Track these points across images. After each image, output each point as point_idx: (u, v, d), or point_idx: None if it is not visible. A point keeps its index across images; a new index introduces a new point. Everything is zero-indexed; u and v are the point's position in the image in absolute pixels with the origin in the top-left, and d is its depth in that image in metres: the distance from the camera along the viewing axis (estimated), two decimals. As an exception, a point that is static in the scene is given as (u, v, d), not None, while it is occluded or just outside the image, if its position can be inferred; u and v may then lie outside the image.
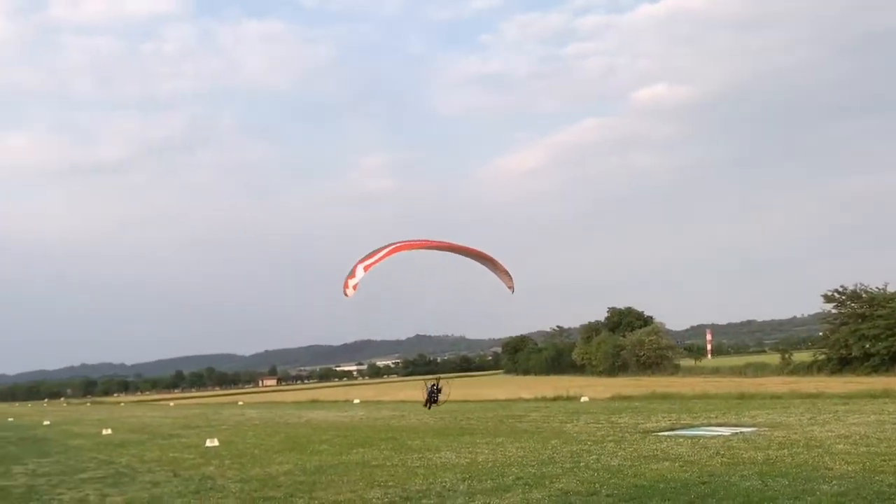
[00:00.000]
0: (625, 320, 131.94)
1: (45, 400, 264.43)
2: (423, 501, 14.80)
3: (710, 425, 27.36)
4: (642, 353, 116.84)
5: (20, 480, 23.44)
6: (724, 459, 17.84)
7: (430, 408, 33.92)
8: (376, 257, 24.80)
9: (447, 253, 25.55)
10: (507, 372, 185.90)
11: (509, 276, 26.81)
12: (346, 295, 24.41)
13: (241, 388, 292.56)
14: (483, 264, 26.60)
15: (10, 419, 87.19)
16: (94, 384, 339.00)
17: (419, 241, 26.15)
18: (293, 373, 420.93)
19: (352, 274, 24.31)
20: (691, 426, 27.41)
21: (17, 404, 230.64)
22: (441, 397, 33.21)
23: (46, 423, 68.04)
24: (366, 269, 24.41)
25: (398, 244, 25.43)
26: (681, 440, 22.68)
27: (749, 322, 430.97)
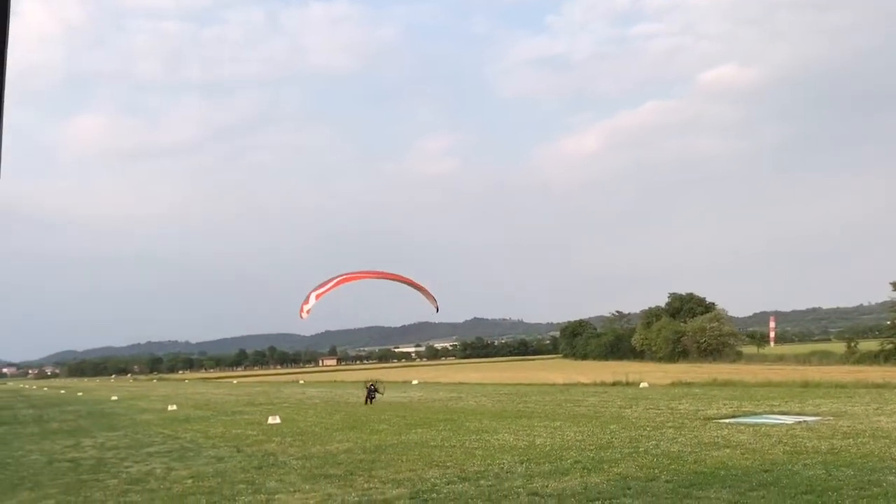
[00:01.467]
0: (686, 306, 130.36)
1: (113, 376, 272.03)
2: (481, 482, 14.89)
3: (773, 413, 26.95)
4: (703, 340, 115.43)
5: (90, 453, 24.19)
6: (787, 448, 17.59)
7: (369, 403, 41.86)
8: (326, 287, 31.23)
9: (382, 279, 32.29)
10: (565, 356, 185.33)
11: (433, 298, 32.75)
12: (301, 317, 31.48)
13: (302, 367, 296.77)
14: (413, 288, 32.56)
15: (79, 394, 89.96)
16: (159, 361, 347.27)
17: (359, 272, 32.52)
18: (352, 353, 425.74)
19: (306, 300, 30.71)
20: (753, 414, 27.04)
21: (85, 380, 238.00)
22: (377, 396, 43.12)
23: (114, 398, 70.06)
24: (317, 297, 30.89)
25: (343, 276, 31.62)
26: (742, 428, 22.41)
27: (814, 309, 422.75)
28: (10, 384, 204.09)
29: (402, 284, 32.08)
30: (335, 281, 31.58)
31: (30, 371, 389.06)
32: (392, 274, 32.35)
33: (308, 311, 30.89)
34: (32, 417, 46.08)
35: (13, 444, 28.78)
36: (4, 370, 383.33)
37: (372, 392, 43.22)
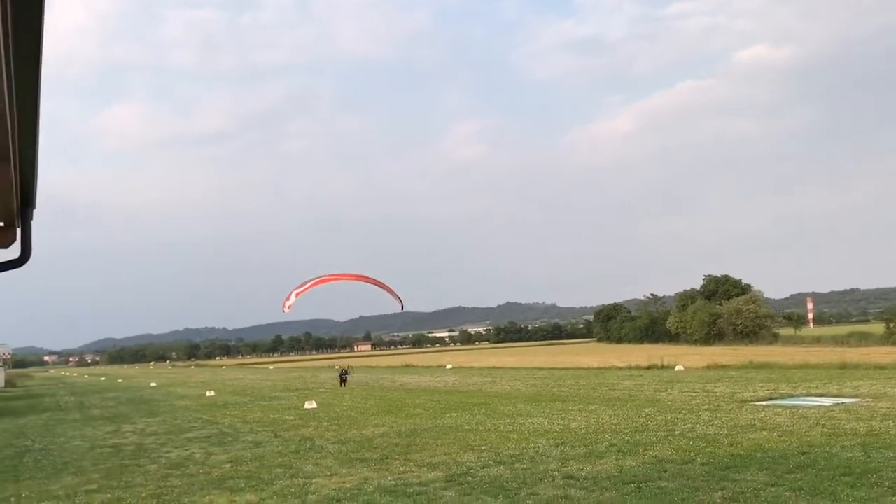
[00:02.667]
0: (721, 288, 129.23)
1: (152, 363, 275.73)
2: (517, 465, 14.95)
3: (810, 395, 26.71)
4: (739, 322, 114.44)
5: (130, 438, 24.61)
6: (825, 430, 17.43)
7: (343, 386, 48.17)
8: (305, 287, 36.06)
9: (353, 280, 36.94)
10: (600, 340, 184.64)
11: (399, 297, 36.91)
12: (283, 311, 36.04)
13: (337, 352, 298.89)
14: (379, 287, 36.82)
15: (119, 381, 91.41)
16: (197, 348, 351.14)
17: (333, 275, 37.11)
18: (387, 338, 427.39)
19: (288, 297, 35.57)
20: (790, 396, 26.81)
21: (125, 367, 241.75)
22: (349, 378, 50.02)
23: (153, 384, 71.06)
24: (297, 295, 35.69)
25: (320, 278, 36.45)
26: (779, 410, 22.24)
27: (852, 290, 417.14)
28: (52, 372, 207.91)
29: (370, 284, 37.01)
30: (313, 281, 36.45)
31: (70, 359, 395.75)
32: (363, 276, 37.65)
33: (289, 307, 36.00)
34: (74, 404, 46.90)
35: (56, 430, 29.34)
36: (46, 358, 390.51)
37: (344, 375, 50.53)
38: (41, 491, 15.25)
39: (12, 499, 14.55)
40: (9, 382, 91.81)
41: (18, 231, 5.74)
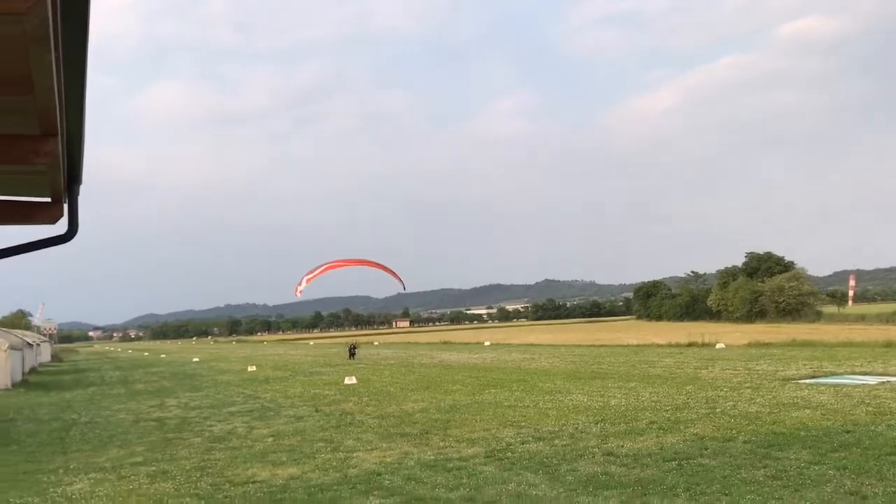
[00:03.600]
0: (763, 265, 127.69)
1: (194, 338, 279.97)
2: (556, 442, 14.95)
3: (855, 374, 26.33)
4: (782, 300, 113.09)
5: (174, 412, 25.00)
6: (870, 409, 17.18)
7: (351, 359, 52.60)
8: (315, 272, 39.19)
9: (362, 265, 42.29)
10: (639, 318, 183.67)
11: (400, 279, 40.55)
12: (296, 295, 40.22)
13: (376, 328, 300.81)
14: (382, 270, 40.35)
15: (162, 356, 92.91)
16: (238, 324, 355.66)
17: (341, 261, 40.81)
18: (425, 315, 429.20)
19: (300, 283, 38.52)
20: (834, 374, 26.46)
21: (168, 342, 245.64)
22: (358, 353, 55.09)
23: (196, 360, 72.07)
24: (307, 281, 38.76)
25: (329, 264, 39.70)
26: (822, 388, 21.96)
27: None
28: (97, 347, 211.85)
29: (377, 269, 40.88)
30: (323, 267, 39.41)
31: (114, 334, 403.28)
32: (366, 261, 41.21)
33: (300, 292, 39.51)
34: (119, 379, 47.74)
35: (102, 403, 29.91)
36: (91, 333, 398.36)
37: (353, 350, 55.87)
38: (88, 463, 15.58)
39: (60, 470, 14.88)
40: (55, 357, 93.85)
41: (65, 207, 5.82)
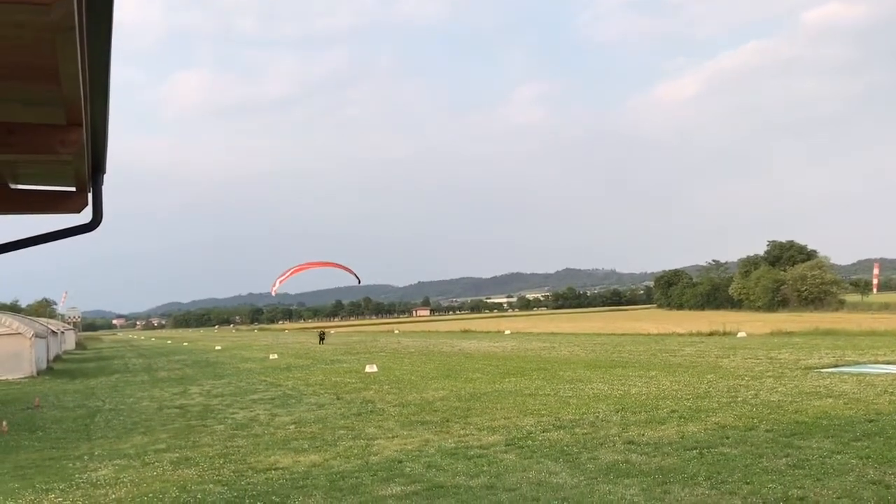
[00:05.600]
0: (786, 254, 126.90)
1: (216, 326, 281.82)
2: (577, 430, 14.96)
3: (878, 363, 26.14)
4: (804, 289, 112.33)
5: (197, 400, 25.21)
6: (893, 398, 17.05)
7: (321, 343, 63.16)
8: (286, 275, 43.96)
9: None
10: (660, 307, 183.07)
11: (356, 275, 44.96)
12: (272, 293, 46.91)
13: (396, 317, 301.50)
14: (341, 269, 44.68)
15: (185, 344, 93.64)
16: (260, 312, 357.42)
17: (309, 263, 45.94)
18: (445, 304, 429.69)
19: (274, 283, 44.00)
20: (857, 363, 26.28)
21: (190, 330, 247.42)
22: (326, 339, 65.78)
23: (218, 347, 72.60)
24: (280, 282, 44.15)
25: (298, 267, 44.53)
26: (845, 377, 21.81)
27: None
28: (120, 335, 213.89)
29: (337, 269, 45.81)
30: (293, 269, 43.84)
31: (137, 322, 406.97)
32: (329, 262, 45.91)
33: (275, 291, 45.07)
34: (142, 366, 48.17)
35: (126, 391, 30.21)
36: (114, 321, 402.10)
37: (322, 335, 69.02)
38: (112, 449, 15.76)
39: (85, 456, 15.06)
40: (79, 345, 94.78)
41: (90, 196, 5.87)
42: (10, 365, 38.23)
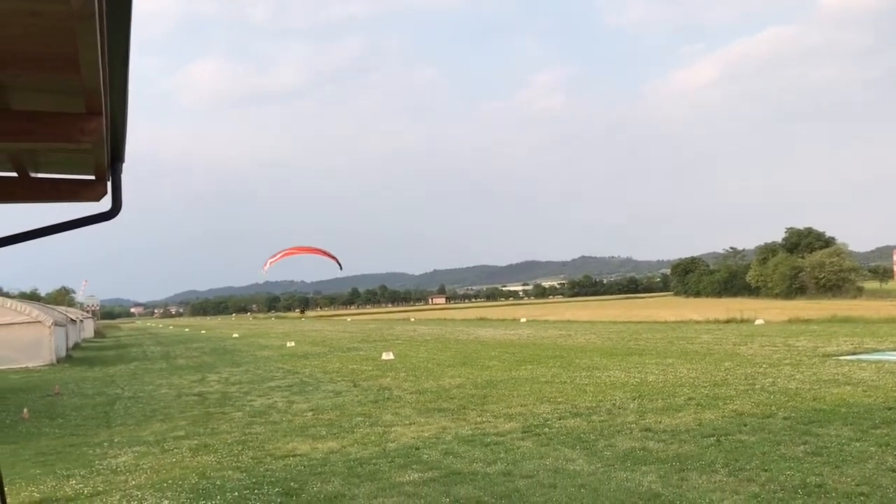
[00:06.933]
0: (804, 241, 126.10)
1: (233, 314, 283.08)
2: (593, 417, 14.96)
3: (897, 351, 25.96)
4: (822, 276, 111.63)
5: (215, 387, 25.37)
6: (913, 386, 16.95)
7: (302, 315, 78.66)
8: (276, 257, 42.81)
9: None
10: (677, 294, 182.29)
11: (338, 261, 43.48)
12: (263, 273, 45.77)
13: (412, 305, 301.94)
14: (326, 256, 43.41)
15: (203, 332, 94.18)
16: (276, 300, 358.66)
17: (297, 247, 44.53)
18: (461, 291, 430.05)
19: (265, 264, 43.25)
20: (876, 351, 26.10)
21: (207, 318, 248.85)
22: (304, 318, 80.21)
23: (235, 335, 72.98)
24: (270, 263, 42.92)
25: (287, 250, 43.29)
26: (864, 365, 21.69)
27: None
28: (139, 323, 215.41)
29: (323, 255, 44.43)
30: (283, 252, 42.88)
31: (155, 310, 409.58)
32: (316, 248, 44.80)
33: (266, 272, 44.96)
34: (160, 354, 48.50)
35: (144, 378, 30.44)
36: (132, 310, 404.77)
37: (302, 310, 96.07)
38: (132, 437, 15.90)
39: (105, 443, 15.21)
40: (98, 333, 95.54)
41: (109, 185, 5.90)
42: (31, 353, 38.61)
